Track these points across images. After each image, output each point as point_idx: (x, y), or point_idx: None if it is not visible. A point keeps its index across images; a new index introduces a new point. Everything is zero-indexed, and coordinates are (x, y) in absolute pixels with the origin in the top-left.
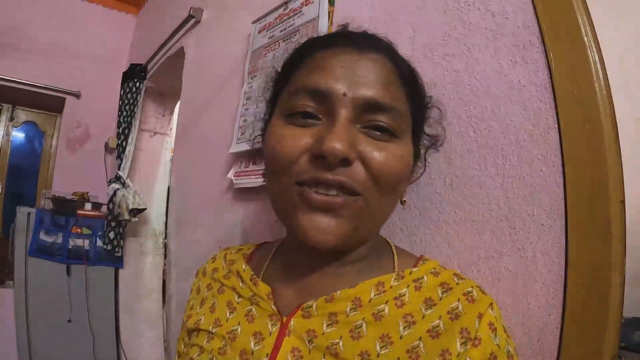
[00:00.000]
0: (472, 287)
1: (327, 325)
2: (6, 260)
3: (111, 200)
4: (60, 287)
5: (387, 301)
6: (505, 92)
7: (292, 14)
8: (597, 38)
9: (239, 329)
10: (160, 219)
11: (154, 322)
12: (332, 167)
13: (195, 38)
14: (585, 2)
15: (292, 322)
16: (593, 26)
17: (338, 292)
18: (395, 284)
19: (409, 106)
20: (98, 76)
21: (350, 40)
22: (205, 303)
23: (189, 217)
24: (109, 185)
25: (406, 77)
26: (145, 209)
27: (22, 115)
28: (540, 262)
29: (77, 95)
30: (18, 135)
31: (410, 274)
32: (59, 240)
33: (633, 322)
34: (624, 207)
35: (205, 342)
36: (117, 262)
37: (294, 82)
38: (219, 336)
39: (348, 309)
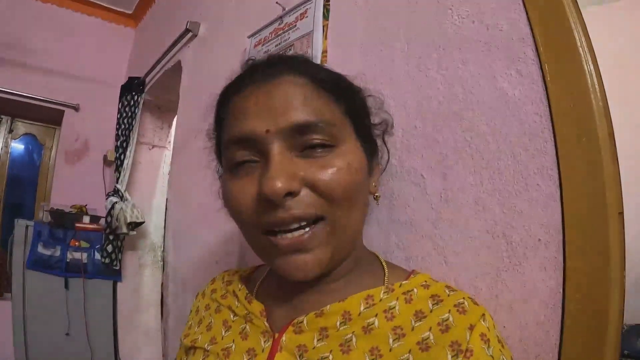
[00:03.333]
0: (463, 298)
1: (318, 340)
2: (4, 272)
3: (109, 213)
4: (58, 300)
5: (376, 314)
6: (500, 106)
7: (287, 29)
8: (592, 49)
9: (233, 346)
10: (159, 232)
11: (153, 336)
12: (280, 204)
13: (193, 52)
14: (580, 13)
15: (283, 338)
16: (589, 37)
17: (328, 306)
18: (385, 296)
19: (341, 110)
20: (97, 89)
21: (257, 74)
22: (202, 322)
23: (187, 231)
24: (107, 199)
25: (327, 84)
26: (144, 222)
27: (21, 127)
28: (537, 278)
29: (76, 108)
30: (17, 147)
31: (400, 286)
32: (57, 253)
33: (636, 329)
34: (623, 218)
35: (201, 359)
36: (115, 276)
37: (224, 134)
38: (214, 354)
39: (338, 323)
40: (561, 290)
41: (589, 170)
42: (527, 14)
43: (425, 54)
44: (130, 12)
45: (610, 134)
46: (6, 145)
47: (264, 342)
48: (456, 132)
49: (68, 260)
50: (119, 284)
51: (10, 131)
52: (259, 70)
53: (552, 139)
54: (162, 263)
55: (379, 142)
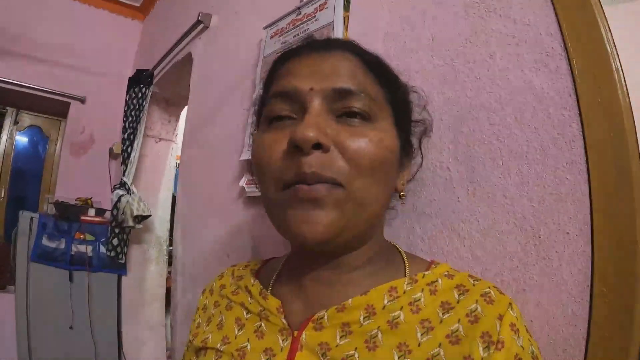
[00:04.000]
0: (489, 287)
1: (341, 337)
2: (8, 264)
3: (115, 206)
4: (63, 293)
5: (401, 307)
6: (528, 100)
7: (305, 20)
8: (616, 46)
9: (249, 346)
10: (165, 226)
11: (157, 330)
12: (307, 154)
13: (204, 44)
14: (602, 9)
15: (303, 336)
16: (611, 33)
17: (349, 300)
18: (409, 288)
19: (383, 92)
20: (103, 81)
21: (314, 46)
22: (212, 321)
23: (196, 225)
24: (113, 191)
25: (373, 65)
26: (150, 215)
27: (27, 119)
28: (565, 272)
29: (82, 100)
30: (22, 139)
31: (423, 277)
32: (62, 246)
33: None
34: None
35: None
36: (120, 269)
37: (269, 91)
38: (227, 354)
39: (361, 317)
40: (589, 285)
41: (617, 165)
42: (554, 9)
43: (452, 46)
44: (138, 4)
45: (635, 129)
46: (11, 137)
47: (282, 340)
48: (483, 125)
49: (73, 253)
50: (123, 278)
51: (16, 123)
52: (314, 44)
53: (581, 133)
54: (167, 257)
55: (415, 143)
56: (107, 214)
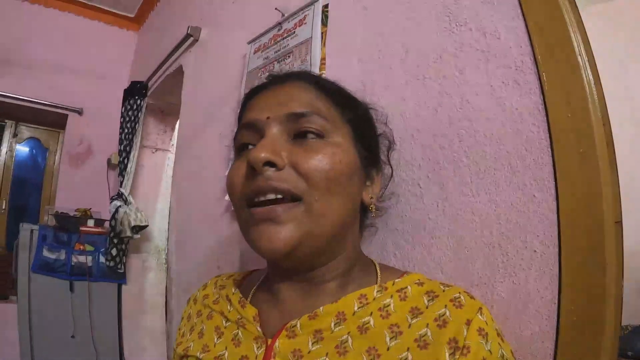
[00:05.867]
0: (459, 292)
1: (313, 343)
2: (9, 275)
3: (113, 217)
4: (64, 303)
5: (371, 312)
6: (497, 116)
7: (285, 35)
8: (592, 55)
9: (226, 354)
10: (163, 235)
11: (158, 337)
12: (260, 173)
13: (194, 56)
14: (580, 18)
15: (277, 344)
16: (588, 43)
17: (321, 308)
18: (379, 295)
19: (338, 112)
20: (100, 93)
21: (274, 80)
22: (194, 329)
23: (190, 235)
24: (110, 203)
25: (329, 90)
26: (147, 225)
27: (26, 131)
28: (532, 289)
29: (80, 112)
30: (22, 149)
31: (393, 284)
32: (62, 256)
33: (639, 330)
34: (621, 227)
35: None
36: (120, 278)
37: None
38: None
39: (332, 324)
40: (556, 302)
41: (585, 182)
42: (525, 20)
43: (424, 62)
44: (132, 15)
45: (609, 143)
46: (11, 149)
47: (257, 348)
48: (453, 141)
49: (73, 264)
50: (123, 287)
51: (15, 135)
52: (276, 78)
53: (550, 149)
54: (166, 266)
55: (383, 157)
56: (106, 224)
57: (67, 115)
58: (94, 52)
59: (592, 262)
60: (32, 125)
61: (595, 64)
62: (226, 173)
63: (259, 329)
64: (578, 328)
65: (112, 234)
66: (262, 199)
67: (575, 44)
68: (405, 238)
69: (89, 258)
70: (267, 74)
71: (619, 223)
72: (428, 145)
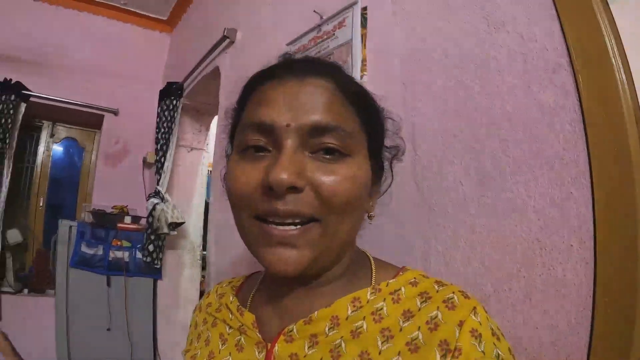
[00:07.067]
0: (453, 292)
1: (309, 348)
2: (48, 270)
3: (151, 214)
4: (100, 297)
5: (364, 317)
6: (535, 115)
7: (325, 37)
8: (625, 56)
9: (230, 359)
10: (198, 232)
11: None
12: (281, 196)
13: (230, 58)
14: (614, 20)
15: (276, 348)
16: (622, 45)
17: (315, 312)
18: (372, 298)
19: (359, 123)
20: (135, 94)
21: (292, 69)
22: (201, 337)
23: (229, 231)
24: (147, 200)
25: (352, 95)
26: (184, 222)
27: (62, 131)
28: (569, 281)
29: (116, 113)
30: (58, 150)
31: (387, 286)
32: (100, 252)
33: None
34: None
35: None
36: (155, 274)
37: (244, 117)
38: None
39: (327, 328)
40: (592, 294)
41: (620, 179)
42: (560, 24)
43: (463, 63)
44: (165, 18)
45: None
46: (48, 148)
47: (258, 353)
48: (494, 140)
49: (110, 259)
50: (159, 282)
51: (52, 135)
52: (292, 66)
53: (585, 147)
54: (200, 262)
55: (387, 165)
56: (143, 221)
57: (103, 115)
58: (128, 54)
59: (626, 256)
60: (69, 126)
61: (629, 65)
62: (222, 170)
63: (258, 334)
64: (612, 320)
65: (149, 231)
66: (277, 221)
67: (609, 47)
68: (447, 233)
69: (126, 254)
70: (285, 54)
71: None
72: (468, 144)
